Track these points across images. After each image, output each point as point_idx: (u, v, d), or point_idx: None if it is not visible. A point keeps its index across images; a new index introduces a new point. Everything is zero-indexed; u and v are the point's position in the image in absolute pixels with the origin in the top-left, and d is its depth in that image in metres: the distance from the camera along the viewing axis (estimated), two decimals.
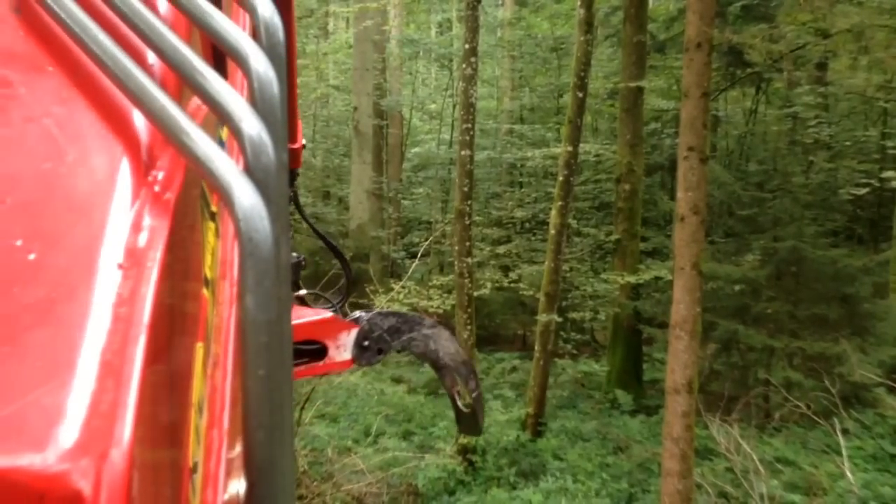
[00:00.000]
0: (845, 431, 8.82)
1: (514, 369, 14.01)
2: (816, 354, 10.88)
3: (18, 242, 0.41)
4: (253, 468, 0.47)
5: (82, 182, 0.46)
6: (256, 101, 0.51)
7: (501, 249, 15.71)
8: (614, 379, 12.51)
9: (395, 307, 12.01)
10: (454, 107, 18.93)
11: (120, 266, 0.44)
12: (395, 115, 19.88)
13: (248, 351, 0.46)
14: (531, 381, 10.79)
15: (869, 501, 7.77)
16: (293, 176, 2.04)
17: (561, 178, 10.60)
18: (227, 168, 0.46)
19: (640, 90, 12.41)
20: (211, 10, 0.54)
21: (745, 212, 12.74)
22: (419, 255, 12.91)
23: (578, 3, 10.73)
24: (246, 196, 0.45)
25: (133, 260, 0.44)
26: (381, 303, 11.89)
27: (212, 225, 0.66)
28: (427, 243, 13.64)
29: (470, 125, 9.74)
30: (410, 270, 12.40)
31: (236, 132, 0.48)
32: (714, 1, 6.76)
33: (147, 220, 0.46)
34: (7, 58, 0.53)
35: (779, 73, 14.55)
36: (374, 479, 8.57)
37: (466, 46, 9.74)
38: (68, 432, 0.34)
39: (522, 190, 18.01)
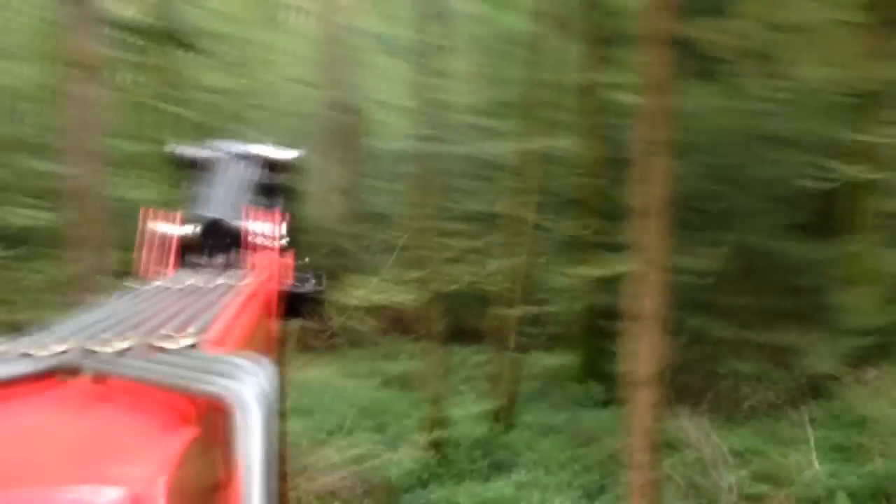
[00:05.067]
0: (812, 421, 8.95)
1: (486, 362, 14.02)
2: (783, 346, 11.00)
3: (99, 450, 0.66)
4: None
5: (140, 433, 0.71)
6: None
7: (470, 244, 15.67)
8: (585, 371, 12.58)
9: (365, 303, 11.98)
10: (419, 101, 18.87)
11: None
12: (361, 110, 19.77)
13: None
14: (503, 375, 10.79)
15: (835, 491, 7.87)
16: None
17: (527, 174, 10.60)
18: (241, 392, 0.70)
19: (601, 84, 12.45)
20: None
21: (706, 206, 12.83)
22: (387, 250, 12.85)
23: None
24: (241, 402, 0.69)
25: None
26: (350, 299, 11.83)
27: None
28: (397, 239, 13.58)
29: (436, 120, 9.69)
30: (382, 267, 12.37)
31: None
32: None
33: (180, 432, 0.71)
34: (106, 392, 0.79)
35: (734, 66, 14.65)
36: (347, 472, 8.53)
37: (430, 41, 9.69)
38: (132, 482, 0.60)
39: (489, 184, 17.97)
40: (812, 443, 8.15)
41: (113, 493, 0.59)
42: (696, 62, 13.30)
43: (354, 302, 11.48)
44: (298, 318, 2.24)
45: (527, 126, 12.46)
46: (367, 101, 20.52)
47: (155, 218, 1.51)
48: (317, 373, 11.12)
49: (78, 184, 9.27)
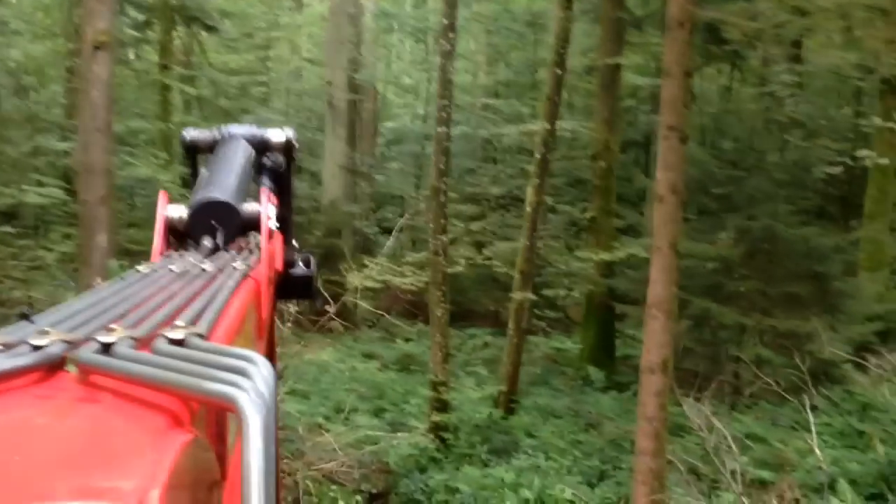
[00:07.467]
0: (814, 408, 8.91)
1: (486, 345, 14.04)
2: (787, 332, 10.99)
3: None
4: None
5: (130, 438, 0.66)
6: None
7: (475, 226, 15.68)
8: (587, 356, 12.59)
9: (369, 284, 11.99)
10: (429, 81, 18.81)
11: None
12: (370, 89, 19.69)
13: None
14: (504, 359, 10.79)
15: (837, 477, 7.86)
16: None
17: (538, 156, 10.55)
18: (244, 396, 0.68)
19: (617, 67, 12.37)
20: None
21: (719, 190, 12.78)
22: (393, 231, 12.85)
23: None
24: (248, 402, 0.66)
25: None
26: (353, 279, 11.85)
27: None
28: (402, 220, 13.56)
29: (447, 102, 9.63)
30: (385, 247, 12.36)
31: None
32: None
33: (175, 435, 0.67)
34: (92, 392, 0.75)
35: (754, 50, 14.54)
36: (345, 457, 8.54)
37: (445, 22, 9.61)
38: (122, 495, 0.55)
39: (497, 166, 17.94)
40: (814, 429, 8.11)
41: None
42: (719, 46, 13.19)
43: (356, 283, 11.47)
44: (288, 300, 2.25)
45: (539, 107, 12.38)
46: (375, 80, 20.44)
47: (168, 202, 1.50)
48: (314, 355, 11.10)
49: (89, 162, 9.29)
